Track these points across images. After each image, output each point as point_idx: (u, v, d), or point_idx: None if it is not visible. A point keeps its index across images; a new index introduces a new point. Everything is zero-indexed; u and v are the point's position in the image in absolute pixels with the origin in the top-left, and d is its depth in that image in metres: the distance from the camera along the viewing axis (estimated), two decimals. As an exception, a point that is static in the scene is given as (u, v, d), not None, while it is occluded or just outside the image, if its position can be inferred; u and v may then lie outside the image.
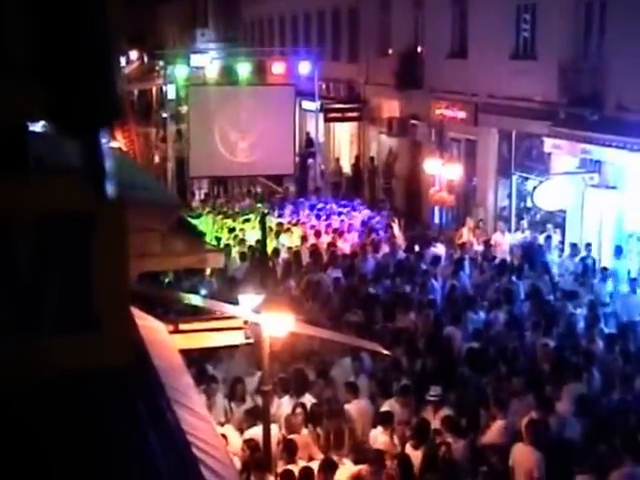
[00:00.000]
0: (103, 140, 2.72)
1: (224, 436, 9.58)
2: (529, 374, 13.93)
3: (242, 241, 23.53)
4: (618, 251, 20.77)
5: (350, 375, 14.04)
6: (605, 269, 19.80)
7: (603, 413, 12.60)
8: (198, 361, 13.27)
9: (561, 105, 22.44)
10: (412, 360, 14.64)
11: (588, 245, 21.15)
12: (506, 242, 23.55)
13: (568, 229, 23.36)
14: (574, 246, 21.31)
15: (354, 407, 12.81)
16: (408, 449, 11.54)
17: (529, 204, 25.07)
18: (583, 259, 20.51)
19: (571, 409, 12.71)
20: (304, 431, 12.00)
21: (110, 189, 2.81)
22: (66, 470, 4.06)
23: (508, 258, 21.60)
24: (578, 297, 17.83)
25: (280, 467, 11.03)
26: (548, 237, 22.75)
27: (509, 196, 27.03)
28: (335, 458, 11.16)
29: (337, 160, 39.47)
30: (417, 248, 23.13)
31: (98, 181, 2.79)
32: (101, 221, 4.52)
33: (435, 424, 12.11)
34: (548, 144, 22.79)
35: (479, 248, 22.79)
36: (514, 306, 17.50)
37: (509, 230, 25.65)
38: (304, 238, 24.12)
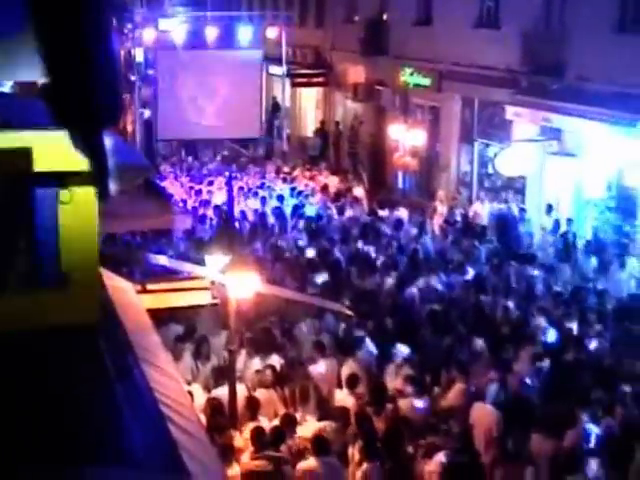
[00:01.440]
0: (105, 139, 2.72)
1: (190, 394, 9.64)
2: (488, 335, 14.11)
3: (208, 203, 23.78)
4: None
5: (312, 334, 14.20)
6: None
7: (559, 372, 12.90)
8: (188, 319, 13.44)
9: (523, 74, 22.69)
10: (374, 321, 14.81)
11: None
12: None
13: (528, 195, 23.74)
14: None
15: (319, 366, 12.93)
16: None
17: (490, 170, 25.42)
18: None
19: (528, 369, 13.05)
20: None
21: (113, 187, 2.81)
22: (34, 424, 4.21)
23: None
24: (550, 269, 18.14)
25: (243, 424, 11.13)
26: (522, 210, 22.92)
27: (471, 162, 27.28)
28: (299, 415, 11.33)
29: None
30: (381, 212, 23.43)
31: (101, 180, 2.79)
32: (70, 181, 4.71)
33: (397, 384, 12.37)
34: (510, 112, 23.07)
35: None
36: (475, 269, 17.83)
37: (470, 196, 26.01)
38: (268, 200, 24.33)
